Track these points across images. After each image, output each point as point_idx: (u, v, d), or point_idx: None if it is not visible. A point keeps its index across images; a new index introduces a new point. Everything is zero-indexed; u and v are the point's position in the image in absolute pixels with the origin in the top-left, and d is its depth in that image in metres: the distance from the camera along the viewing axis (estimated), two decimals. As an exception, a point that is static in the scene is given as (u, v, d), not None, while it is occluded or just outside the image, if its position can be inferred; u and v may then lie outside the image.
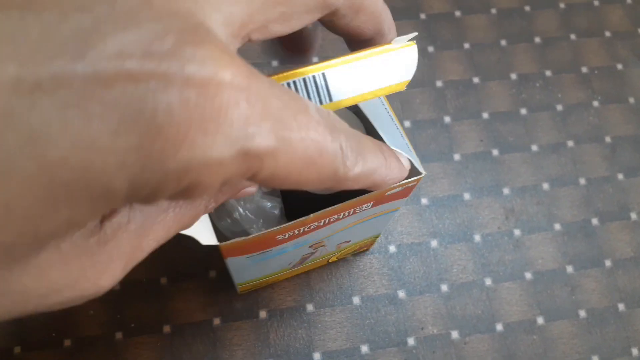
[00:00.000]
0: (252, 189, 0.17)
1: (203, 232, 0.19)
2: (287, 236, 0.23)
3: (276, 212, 0.25)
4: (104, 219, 0.12)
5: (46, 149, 0.08)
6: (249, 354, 0.33)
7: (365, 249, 0.36)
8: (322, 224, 0.23)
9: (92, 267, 0.12)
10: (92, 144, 0.09)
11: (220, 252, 0.22)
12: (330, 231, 0.25)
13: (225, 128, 0.10)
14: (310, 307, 0.34)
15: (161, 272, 0.34)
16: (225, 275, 0.35)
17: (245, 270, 0.27)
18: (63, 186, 0.09)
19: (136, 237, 0.13)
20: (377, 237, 0.34)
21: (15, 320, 0.32)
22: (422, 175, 0.22)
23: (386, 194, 0.22)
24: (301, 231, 0.23)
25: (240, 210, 0.25)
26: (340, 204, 0.21)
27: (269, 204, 0.25)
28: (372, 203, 0.23)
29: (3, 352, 0.32)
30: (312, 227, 0.23)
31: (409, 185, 0.22)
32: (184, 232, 0.17)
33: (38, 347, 0.32)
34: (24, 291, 0.11)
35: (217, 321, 0.34)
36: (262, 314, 0.34)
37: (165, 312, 0.33)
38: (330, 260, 0.35)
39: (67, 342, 0.32)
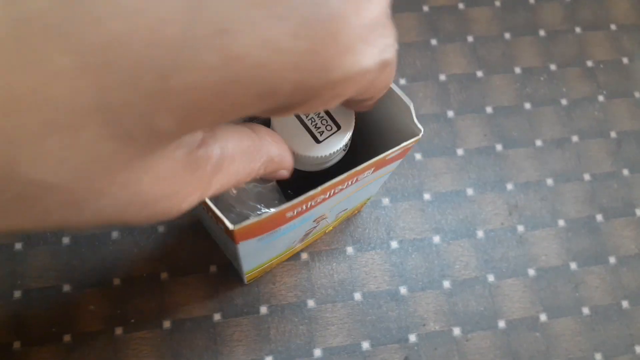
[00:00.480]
0: (285, 172, 0.19)
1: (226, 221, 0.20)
2: (295, 212, 0.22)
3: (274, 194, 0.25)
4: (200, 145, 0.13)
5: (232, 43, 0.09)
6: (249, 350, 0.33)
7: (356, 212, 0.36)
8: (327, 196, 0.23)
9: (186, 185, 0.12)
10: (273, 44, 0.09)
11: (234, 238, 0.22)
12: (334, 202, 0.25)
13: (377, 39, 0.11)
14: (311, 303, 0.34)
15: (161, 267, 0.34)
16: (226, 271, 0.34)
17: (254, 255, 0.27)
18: (238, 81, 0.09)
19: (212, 172, 0.13)
20: (368, 199, 0.34)
21: (15, 315, 0.32)
22: (419, 136, 0.22)
23: (387, 157, 0.22)
24: (309, 206, 0.23)
25: (240, 202, 0.24)
26: (345, 174, 0.21)
27: (264, 190, 0.25)
28: (373, 169, 0.23)
29: (3, 347, 0.32)
30: (319, 200, 0.23)
31: (407, 147, 0.22)
32: (218, 212, 0.19)
33: (38, 342, 0.32)
34: (135, 193, 0.11)
35: (217, 317, 0.33)
36: (263, 309, 0.34)
37: (166, 307, 0.33)
38: (326, 231, 0.35)
39: (67, 337, 0.32)
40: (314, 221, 0.27)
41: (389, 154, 0.22)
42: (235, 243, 0.23)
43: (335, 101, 0.12)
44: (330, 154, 0.22)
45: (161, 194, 0.12)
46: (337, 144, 0.22)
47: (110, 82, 0.08)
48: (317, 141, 0.22)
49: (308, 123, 0.22)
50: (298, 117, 0.22)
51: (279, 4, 0.09)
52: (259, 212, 0.24)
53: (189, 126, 0.10)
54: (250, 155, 0.16)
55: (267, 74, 0.10)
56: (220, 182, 0.14)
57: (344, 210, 0.31)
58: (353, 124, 0.22)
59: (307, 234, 0.30)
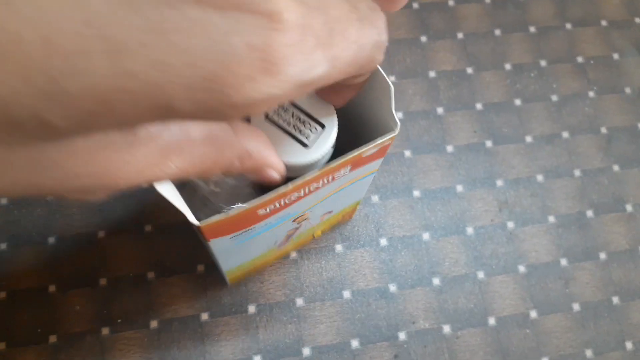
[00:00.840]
0: (274, 172, 0.18)
1: (188, 214, 0.19)
2: (268, 210, 0.22)
3: (248, 189, 0.24)
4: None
5: (124, 60, 0.10)
6: (237, 350, 0.33)
7: (347, 218, 0.36)
8: (302, 194, 0.23)
9: (116, 162, 0.13)
10: (166, 68, 0.10)
11: (203, 235, 0.21)
12: (313, 201, 0.25)
13: (286, 68, 0.11)
14: (300, 302, 0.34)
15: (148, 266, 0.34)
16: (213, 270, 0.34)
17: (231, 254, 0.26)
18: (130, 92, 0.10)
19: (161, 154, 0.13)
20: (357, 204, 0.33)
21: (1, 316, 0.32)
22: (396, 133, 0.22)
23: (362, 155, 0.22)
24: (282, 204, 0.22)
25: (215, 195, 0.24)
26: (318, 170, 0.21)
27: (239, 183, 0.24)
28: (349, 167, 0.23)
29: (-12, 349, 0.31)
30: (292, 198, 0.22)
31: (384, 144, 0.22)
32: (179, 206, 0.19)
33: (24, 343, 0.32)
34: (51, 166, 0.12)
35: (205, 316, 0.33)
36: (251, 308, 0.34)
37: (153, 307, 0.33)
38: (315, 235, 0.35)
39: (53, 338, 0.32)
40: (293, 221, 0.27)
41: (364, 151, 0.22)
42: (206, 240, 0.22)
43: (251, 114, 0.12)
44: (321, 156, 0.21)
45: (85, 171, 0.12)
46: (325, 144, 0.21)
47: (2, 76, 0.09)
48: (305, 146, 0.21)
49: (291, 130, 0.21)
50: (277, 125, 0.21)
51: (179, 33, 0.10)
52: (228, 208, 0.24)
53: (85, 127, 0.11)
54: (218, 143, 0.15)
55: (159, 92, 0.10)
56: (178, 165, 0.14)
57: (329, 212, 0.30)
58: (336, 120, 0.22)
59: (289, 236, 0.30)
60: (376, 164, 0.26)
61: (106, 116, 0.10)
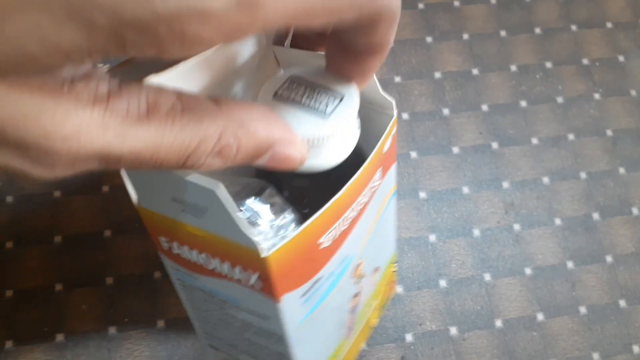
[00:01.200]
0: (292, 151, 0.15)
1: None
2: (329, 241, 0.19)
3: (290, 217, 0.21)
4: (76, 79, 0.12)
5: None
6: (243, 350, 0.33)
7: (391, 290, 0.33)
8: (356, 214, 0.20)
9: (49, 110, 0.11)
10: None
11: (272, 288, 0.17)
12: (363, 232, 0.22)
13: None
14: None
15: (155, 266, 0.34)
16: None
17: (306, 337, 0.21)
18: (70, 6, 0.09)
19: (103, 115, 0.12)
20: (394, 263, 0.31)
21: (7, 315, 0.32)
22: (395, 112, 0.20)
23: (383, 151, 0.20)
24: (340, 226, 0.20)
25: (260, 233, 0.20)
26: (360, 171, 0.19)
27: (283, 221, 0.20)
28: (381, 170, 0.21)
29: (-6, 348, 0.31)
30: (348, 218, 0.20)
31: (392, 131, 0.21)
32: (243, 228, 0.16)
33: (30, 341, 0.32)
34: None
35: (211, 316, 0.33)
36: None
37: (159, 306, 0.33)
38: (370, 325, 0.31)
39: (60, 337, 0.32)
40: (353, 275, 0.23)
41: (382, 143, 0.20)
42: (274, 299, 0.18)
43: (198, 43, 0.11)
44: (344, 127, 0.18)
45: (12, 113, 0.11)
46: (346, 112, 0.18)
47: None
48: (324, 114, 0.18)
49: (304, 101, 0.18)
50: (288, 101, 0.18)
51: None
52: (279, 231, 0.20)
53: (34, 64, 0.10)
54: (197, 113, 0.13)
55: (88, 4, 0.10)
56: (148, 137, 0.12)
57: (377, 270, 0.26)
58: (357, 91, 0.19)
59: (354, 308, 0.25)
60: (393, 176, 0.24)
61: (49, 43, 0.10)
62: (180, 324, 0.33)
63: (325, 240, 0.19)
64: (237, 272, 0.19)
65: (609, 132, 0.41)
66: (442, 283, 0.36)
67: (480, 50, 0.42)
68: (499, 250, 0.37)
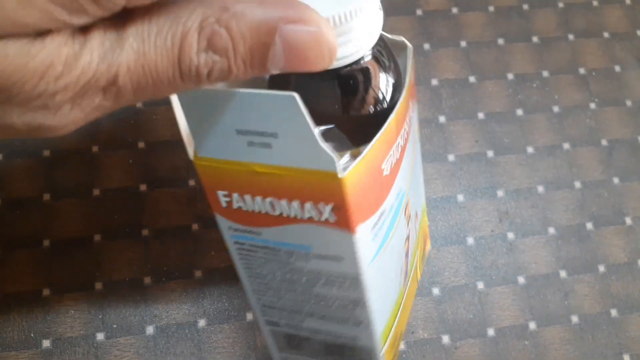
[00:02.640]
0: (319, 38, 0.12)
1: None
2: (389, 168, 0.19)
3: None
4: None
5: None
6: (235, 357, 0.32)
7: (426, 244, 0.31)
8: (403, 141, 0.20)
9: (34, 51, 0.11)
10: None
11: (346, 215, 0.17)
12: (407, 165, 0.22)
13: None
14: (298, 310, 0.34)
15: (145, 271, 0.33)
16: (211, 276, 0.34)
17: (377, 282, 0.21)
18: None
19: (85, 41, 0.12)
20: (426, 216, 0.29)
21: (-8, 319, 0.31)
22: (409, 46, 0.20)
23: (411, 81, 0.21)
24: (394, 154, 0.19)
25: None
26: (403, 95, 0.19)
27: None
28: (414, 100, 0.22)
29: (-21, 353, 0.31)
30: (399, 146, 0.20)
31: (413, 64, 0.21)
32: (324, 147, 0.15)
33: (16, 347, 0.31)
34: None
35: (202, 323, 0.33)
36: (249, 316, 0.33)
37: (149, 312, 0.32)
38: (417, 278, 0.30)
39: (46, 343, 0.31)
40: (404, 215, 0.22)
41: (410, 74, 0.20)
42: (350, 230, 0.17)
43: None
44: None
45: None
46: None
47: None
48: None
49: None
50: None
51: None
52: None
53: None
54: (172, 9, 0.12)
55: None
56: (131, 49, 0.12)
57: (416, 213, 0.25)
58: None
59: (407, 253, 0.24)
60: (416, 112, 0.24)
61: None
62: (171, 331, 0.32)
63: (386, 167, 0.19)
64: (308, 210, 0.19)
65: (604, 142, 0.41)
66: (435, 291, 0.35)
67: (477, 58, 0.42)
68: (493, 258, 0.37)
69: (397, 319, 0.24)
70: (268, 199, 0.19)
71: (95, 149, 0.36)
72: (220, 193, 0.20)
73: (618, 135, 0.41)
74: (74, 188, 0.34)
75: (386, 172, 0.19)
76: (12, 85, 0.11)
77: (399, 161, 0.20)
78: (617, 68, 0.43)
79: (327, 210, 0.19)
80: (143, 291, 0.33)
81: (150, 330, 0.32)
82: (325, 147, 0.16)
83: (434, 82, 0.41)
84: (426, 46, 0.42)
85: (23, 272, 0.32)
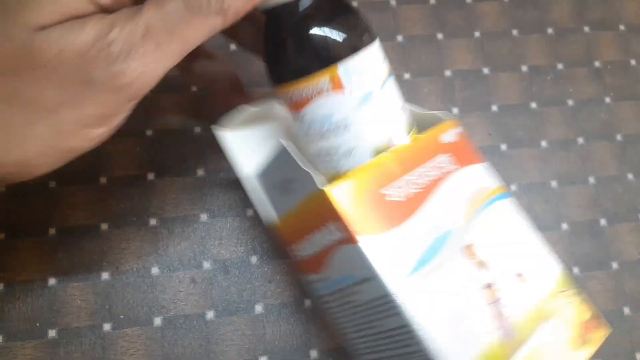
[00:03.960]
0: None
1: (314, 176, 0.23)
2: (401, 196, 0.24)
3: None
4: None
5: None
6: (243, 349, 0.32)
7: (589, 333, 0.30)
8: (424, 180, 0.25)
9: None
10: None
11: (344, 226, 0.23)
12: (451, 207, 0.26)
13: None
14: (308, 303, 0.33)
15: (152, 262, 0.33)
16: (218, 267, 0.33)
17: (429, 310, 0.22)
18: None
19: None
20: (569, 290, 0.29)
21: (-3, 308, 0.31)
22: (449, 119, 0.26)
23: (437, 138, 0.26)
24: (408, 186, 0.25)
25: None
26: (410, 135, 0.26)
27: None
28: (449, 156, 0.26)
29: (-17, 342, 0.30)
30: (415, 183, 0.24)
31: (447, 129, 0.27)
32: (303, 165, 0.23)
33: (22, 337, 0.30)
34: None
35: (210, 315, 0.32)
36: (258, 308, 0.33)
37: (157, 304, 0.32)
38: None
39: (52, 333, 0.31)
40: (466, 256, 0.24)
41: (437, 131, 0.26)
42: (353, 240, 0.22)
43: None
44: None
45: None
46: None
47: None
48: None
49: None
50: None
51: None
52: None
53: None
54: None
55: None
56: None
57: (519, 274, 0.25)
58: None
59: (495, 304, 0.24)
60: (486, 175, 0.28)
61: None
62: (178, 322, 0.32)
63: (392, 193, 0.23)
64: (327, 234, 0.24)
65: (619, 137, 0.40)
66: (447, 286, 0.35)
67: (491, 49, 0.41)
68: (505, 254, 0.36)
69: None
70: (307, 239, 0.25)
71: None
72: (292, 248, 0.27)
73: (633, 131, 0.41)
74: (80, 175, 0.34)
75: (395, 198, 0.23)
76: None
77: (420, 195, 0.24)
78: (633, 62, 0.43)
79: (334, 229, 0.23)
80: (151, 282, 0.32)
81: (157, 321, 0.32)
82: (304, 166, 0.21)
83: (447, 73, 0.40)
84: (439, 36, 0.41)
85: (28, 260, 0.32)
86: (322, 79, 0.22)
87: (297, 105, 0.23)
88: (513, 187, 0.38)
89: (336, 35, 0.22)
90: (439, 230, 0.24)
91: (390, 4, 0.41)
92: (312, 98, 0.22)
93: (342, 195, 0.22)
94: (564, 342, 0.25)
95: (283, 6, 0.22)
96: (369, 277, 0.23)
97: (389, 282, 0.22)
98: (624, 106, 0.41)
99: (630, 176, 0.39)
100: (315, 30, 0.21)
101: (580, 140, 0.40)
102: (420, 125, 0.28)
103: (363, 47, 0.23)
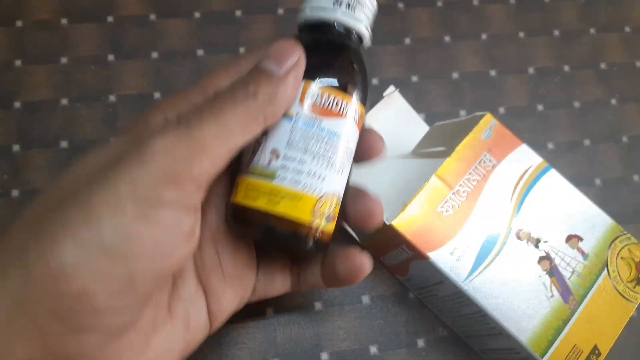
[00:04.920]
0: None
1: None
2: (450, 210, 0.29)
3: None
4: None
5: None
6: (255, 353, 0.32)
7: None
8: (469, 188, 0.31)
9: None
10: None
11: (414, 247, 0.29)
12: (494, 209, 0.30)
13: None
14: (318, 306, 0.33)
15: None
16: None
17: (494, 294, 0.28)
18: None
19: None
20: (625, 236, 0.33)
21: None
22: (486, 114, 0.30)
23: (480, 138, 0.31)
24: (456, 199, 0.30)
25: None
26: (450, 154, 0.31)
27: None
28: (487, 153, 0.31)
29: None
30: (461, 193, 0.29)
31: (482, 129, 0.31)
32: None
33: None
34: None
35: (222, 318, 0.32)
36: (269, 312, 0.33)
37: (168, 307, 0.32)
38: (625, 295, 0.30)
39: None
40: (519, 239, 0.29)
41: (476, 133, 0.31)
42: (425, 257, 0.28)
43: None
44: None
45: None
46: None
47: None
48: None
49: None
50: None
51: None
52: None
53: None
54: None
55: None
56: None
57: (570, 236, 0.30)
58: None
59: (551, 272, 0.29)
60: (523, 158, 0.31)
61: None
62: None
63: (445, 209, 0.29)
64: (406, 250, 0.29)
65: (625, 139, 0.41)
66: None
67: (498, 51, 0.41)
68: (513, 256, 0.36)
69: (564, 332, 0.28)
70: (388, 253, 0.32)
71: (113, 140, 0.35)
72: (379, 260, 0.34)
73: (638, 132, 0.41)
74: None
75: (448, 213, 0.29)
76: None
77: (466, 204, 0.29)
78: (639, 63, 0.43)
79: (406, 249, 0.29)
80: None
81: (170, 325, 0.32)
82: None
83: (455, 75, 0.40)
84: (447, 38, 0.41)
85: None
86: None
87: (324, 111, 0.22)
88: (520, 189, 0.38)
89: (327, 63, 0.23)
90: (490, 230, 0.29)
91: (398, 6, 0.41)
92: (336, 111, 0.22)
93: (405, 226, 0.28)
94: (619, 290, 0.30)
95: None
96: (442, 280, 0.29)
97: (457, 283, 0.28)
98: (629, 108, 0.42)
99: (636, 177, 0.40)
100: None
101: (587, 142, 0.40)
102: (461, 131, 0.31)
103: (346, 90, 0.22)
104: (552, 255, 0.29)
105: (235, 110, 0.18)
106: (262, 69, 0.19)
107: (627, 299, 0.29)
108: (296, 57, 0.19)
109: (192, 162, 0.17)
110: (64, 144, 0.35)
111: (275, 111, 0.19)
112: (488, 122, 0.31)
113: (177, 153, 0.17)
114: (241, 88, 0.19)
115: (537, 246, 0.29)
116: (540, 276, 0.29)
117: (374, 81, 0.39)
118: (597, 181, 0.39)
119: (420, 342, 0.34)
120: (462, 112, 0.39)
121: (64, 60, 0.37)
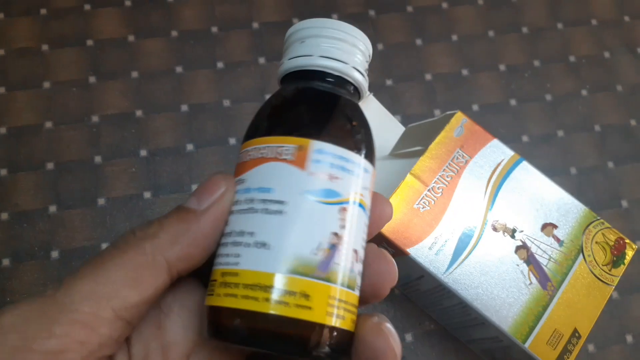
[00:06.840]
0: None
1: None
2: (426, 206, 0.31)
3: None
4: None
5: None
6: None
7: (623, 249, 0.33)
8: (443, 185, 0.32)
9: None
10: None
11: (394, 245, 0.30)
12: (470, 201, 0.32)
13: None
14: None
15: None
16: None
17: (475, 284, 0.30)
18: None
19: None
20: (597, 221, 0.33)
21: None
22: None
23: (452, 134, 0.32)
24: (432, 194, 0.31)
25: None
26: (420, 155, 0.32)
27: None
28: (459, 149, 0.32)
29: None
30: (435, 189, 0.30)
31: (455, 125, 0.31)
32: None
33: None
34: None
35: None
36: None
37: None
38: (607, 281, 0.31)
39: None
40: (495, 230, 0.30)
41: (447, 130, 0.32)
42: (405, 253, 0.29)
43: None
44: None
45: None
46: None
47: None
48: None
49: None
50: None
51: None
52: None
53: None
54: None
55: None
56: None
57: (545, 225, 0.31)
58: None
59: (528, 260, 0.30)
60: (491, 155, 0.32)
61: None
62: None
63: (422, 205, 0.30)
64: (387, 247, 0.30)
65: (597, 128, 0.42)
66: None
67: (469, 51, 0.43)
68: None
69: (544, 317, 0.29)
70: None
71: (98, 159, 0.36)
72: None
73: (610, 120, 0.42)
74: (79, 199, 0.35)
75: (425, 209, 0.30)
76: None
77: (442, 199, 0.30)
78: (607, 54, 0.44)
79: (387, 246, 0.30)
80: (153, 297, 0.33)
81: None
82: None
83: (428, 77, 0.41)
84: (418, 42, 0.42)
85: (33, 282, 0.33)
86: (289, 143, 0.16)
87: (244, 167, 0.17)
88: (498, 183, 0.39)
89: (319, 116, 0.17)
90: (467, 223, 0.30)
91: (369, 14, 0.43)
92: (265, 159, 0.16)
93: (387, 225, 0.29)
94: (596, 274, 0.31)
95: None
96: (422, 275, 0.30)
97: (437, 276, 0.29)
98: (600, 98, 0.43)
99: (610, 164, 0.41)
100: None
101: (560, 133, 0.41)
102: (433, 131, 0.32)
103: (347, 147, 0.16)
104: (529, 244, 0.30)
105: (122, 258, 0.15)
106: (179, 207, 0.17)
107: (604, 282, 0.30)
108: (221, 191, 0.16)
109: (49, 334, 0.13)
110: (49, 165, 0.36)
111: (186, 252, 0.15)
112: (459, 120, 0.32)
113: (31, 326, 0.14)
114: (138, 230, 0.16)
115: (513, 236, 0.30)
116: (518, 265, 0.30)
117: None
118: (573, 170, 0.40)
119: (408, 337, 0.34)
120: (437, 112, 0.41)
121: (46, 84, 0.38)
